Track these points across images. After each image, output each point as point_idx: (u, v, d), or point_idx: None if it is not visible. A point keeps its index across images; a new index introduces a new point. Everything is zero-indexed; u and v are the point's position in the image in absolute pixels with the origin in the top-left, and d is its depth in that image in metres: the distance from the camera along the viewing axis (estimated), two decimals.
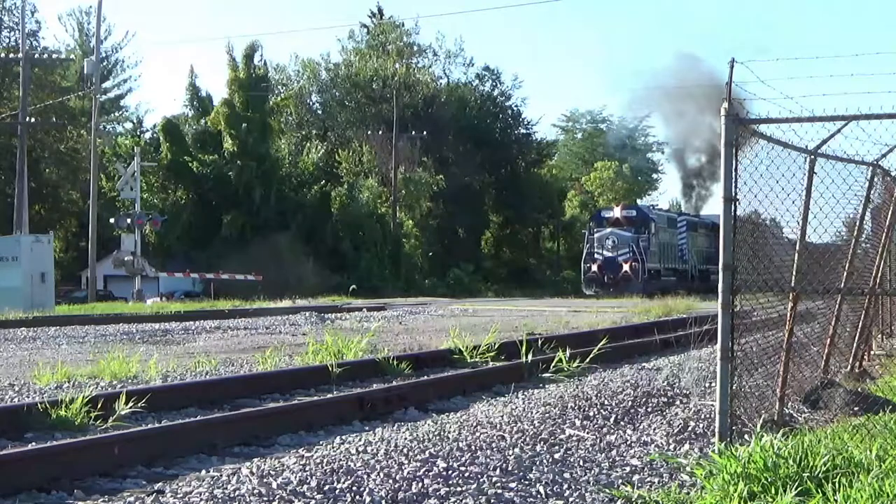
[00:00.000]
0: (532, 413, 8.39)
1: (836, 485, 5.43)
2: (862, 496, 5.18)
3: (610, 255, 52.09)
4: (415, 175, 65.59)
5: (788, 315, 7.93)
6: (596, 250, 52.66)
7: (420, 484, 5.87)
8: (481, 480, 6.02)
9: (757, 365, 7.75)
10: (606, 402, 8.97)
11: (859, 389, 9.09)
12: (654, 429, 7.82)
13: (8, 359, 13.85)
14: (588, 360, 12.16)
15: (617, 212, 54.12)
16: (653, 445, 7.25)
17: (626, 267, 51.26)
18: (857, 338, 10.61)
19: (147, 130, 74.25)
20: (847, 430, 7.08)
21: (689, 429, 7.74)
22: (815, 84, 7.41)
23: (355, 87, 70.88)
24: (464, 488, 5.82)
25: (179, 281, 54.08)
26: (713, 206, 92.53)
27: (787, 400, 8.06)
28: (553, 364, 11.82)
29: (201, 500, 5.47)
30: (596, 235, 53.26)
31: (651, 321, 20.89)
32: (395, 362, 11.90)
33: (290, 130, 69.88)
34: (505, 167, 74.44)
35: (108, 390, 9.43)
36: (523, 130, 77.88)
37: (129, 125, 77.80)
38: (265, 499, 5.48)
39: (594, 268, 52.25)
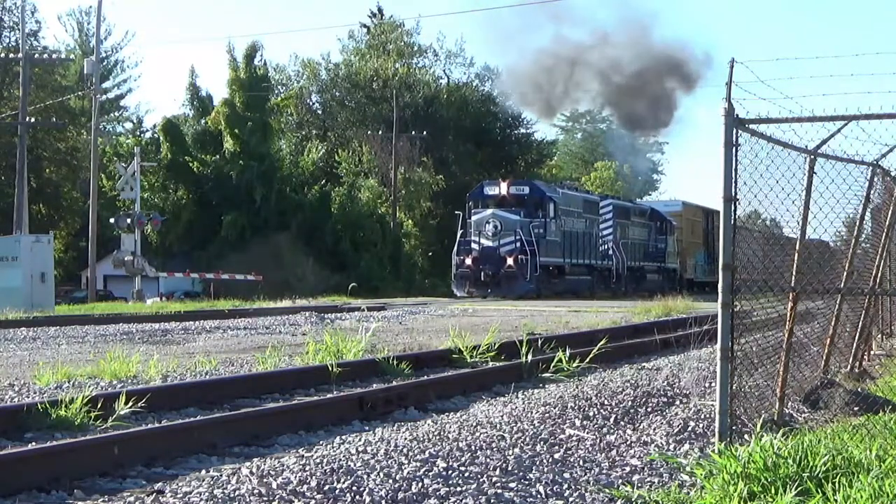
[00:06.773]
0: (532, 413, 8.39)
1: (836, 485, 5.43)
2: (862, 496, 5.18)
3: (490, 244, 39.07)
4: (415, 175, 65.55)
5: (788, 315, 7.93)
6: (472, 238, 39.58)
7: (420, 484, 5.86)
8: (481, 480, 6.02)
9: (757, 365, 7.75)
10: (606, 402, 8.97)
11: (859, 389, 9.10)
12: (654, 429, 7.82)
13: (8, 359, 13.84)
14: (588, 360, 12.16)
15: (503, 188, 40.56)
16: (653, 445, 7.26)
17: (509, 261, 38.54)
18: (857, 338, 10.61)
19: (147, 130, 74.30)
20: (847, 430, 7.09)
21: (689, 429, 7.74)
22: (815, 84, 7.44)
23: (355, 87, 70.84)
24: (464, 488, 5.82)
25: (179, 281, 54.09)
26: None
27: (787, 400, 8.07)
28: (553, 364, 11.82)
29: (201, 500, 5.47)
30: (473, 218, 39.94)
31: (651, 321, 20.90)
32: (394, 362, 11.89)
33: (290, 130, 69.88)
34: (505, 167, 74.31)
35: (108, 390, 9.43)
36: (523, 130, 77.87)
37: (129, 125, 77.92)
38: (265, 499, 5.48)
39: (468, 261, 39.33)
